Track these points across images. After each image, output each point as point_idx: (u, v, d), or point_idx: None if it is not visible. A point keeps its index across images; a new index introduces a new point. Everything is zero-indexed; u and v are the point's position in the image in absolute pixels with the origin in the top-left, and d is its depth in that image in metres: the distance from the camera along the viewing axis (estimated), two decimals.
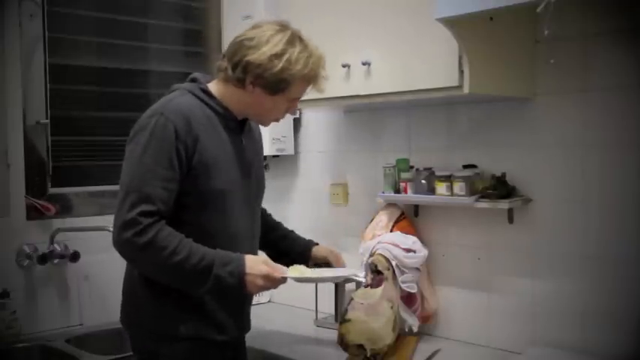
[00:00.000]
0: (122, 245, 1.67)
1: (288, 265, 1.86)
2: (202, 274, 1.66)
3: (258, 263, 1.73)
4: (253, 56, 1.72)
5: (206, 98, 1.78)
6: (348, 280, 2.22)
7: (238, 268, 1.69)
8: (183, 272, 1.66)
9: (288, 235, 2.12)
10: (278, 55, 1.72)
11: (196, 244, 1.68)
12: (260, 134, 2.02)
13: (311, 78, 1.80)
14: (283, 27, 1.78)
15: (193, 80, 1.83)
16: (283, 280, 1.77)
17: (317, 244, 2.10)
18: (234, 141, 1.82)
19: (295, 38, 1.77)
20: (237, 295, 1.80)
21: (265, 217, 2.08)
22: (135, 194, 1.64)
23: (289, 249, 2.08)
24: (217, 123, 1.78)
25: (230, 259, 1.70)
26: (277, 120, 1.91)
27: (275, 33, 1.75)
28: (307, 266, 1.99)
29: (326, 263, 2.06)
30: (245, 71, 1.74)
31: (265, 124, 1.94)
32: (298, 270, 1.87)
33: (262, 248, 2.02)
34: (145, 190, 1.64)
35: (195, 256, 1.66)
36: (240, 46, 1.76)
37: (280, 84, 1.75)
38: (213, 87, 1.82)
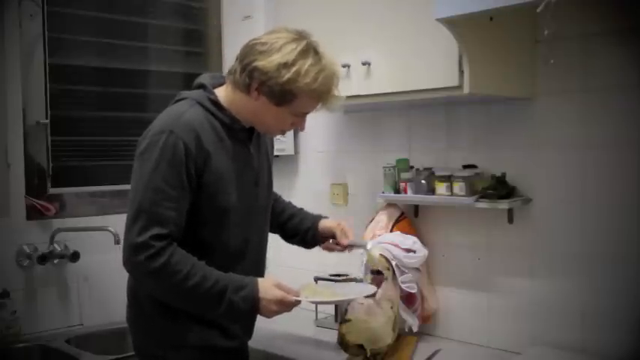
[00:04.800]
0: (133, 267, 1.64)
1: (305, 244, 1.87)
2: (215, 299, 1.64)
3: (271, 287, 1.68)
4: (261, 62, 1.65)
5: (215, 110, 1.72)
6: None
7: (252, 294, 1.65)
8: (195, 297, 1.64)
9: (296, 214, 2.08)
10: (287, 65, 1.64)
11: (209, 267, 1.65)
12: (271, 138, 1.97)
13: (320, 94, 1.70)
14: (300, 36, 1.69)
15: (202, 86, 1.77)
16: (297, 302, 1.71)
17: (325, 217, 2.07)
18: (243, 152, 1.78)
19: (310, 50, 1.67)
20: None
21: (274, 201, 2.05)
22: (145, 215, 1.61)
23: (297, 229, 2.05)
24: (226, 136, 1.72)
25: (244, 284, 1.66)
26: (283, 133, 1.85)
27: (289, 41, 1.67)
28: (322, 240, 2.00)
29: (333, 236, 2.01)
30: (251, 76, 1.67)
31: (270, 135, 1.89)
32: (311, 288, 1.83)
33: (272, 230, 2.01)
34: (155, 212, 1.61)
35: (208, 280, 1.63)
36: (251, 49, 1.69)
37: (285, 95, 1.67)
38: (222, 93, 1.76)
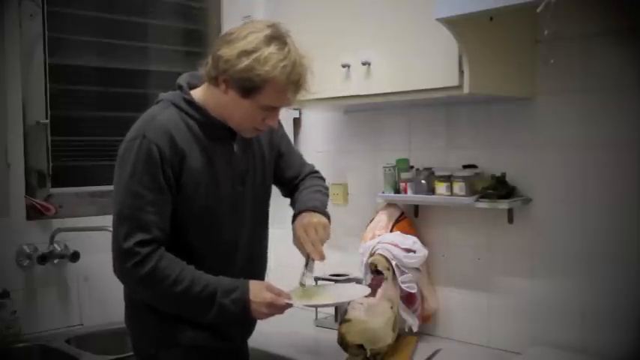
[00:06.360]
0: (122, 275, 1.65)
1: None
2: (205, 303, 1.64)
3: (262, 290, 1.68)
4: (224, 51, 1.61)
5: (189, 109, 1.70)
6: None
7: (242, 296, 1.65)
8: (185, 302, 1.64)
9: (296, 200, 1.93)
10: (247, 52, 1.58)
11: (199, 271, 1.65)
12: (271, 133, 1.86)
13: (284, 85, 1.62)
14: (270, 26, 1.64)
15: (179, 87, 1.75)
16: (288, 305, 1.71)
17: (308, 211, 1.84)
18: (224, 150, 1.74)
19: (275, 39, 1.61)
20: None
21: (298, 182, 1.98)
22: (127, 222, 1.61)
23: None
24: (203, 135, 1.70)
25: (234, 287, 1.66)
26: (258, 130, 1.74)
27: (257, 30, 1.61)
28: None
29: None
30: (216, 67, 1.63)
31: (244, 134, 1.76)
32: (303, 291, 1.81)
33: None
34: (137, 217, 1.60)
35: (197, 285, 1.63)
36: (220, 40, 1.67)
37: (246, 83, 1.60)
38: (199, 92, 1.73)
